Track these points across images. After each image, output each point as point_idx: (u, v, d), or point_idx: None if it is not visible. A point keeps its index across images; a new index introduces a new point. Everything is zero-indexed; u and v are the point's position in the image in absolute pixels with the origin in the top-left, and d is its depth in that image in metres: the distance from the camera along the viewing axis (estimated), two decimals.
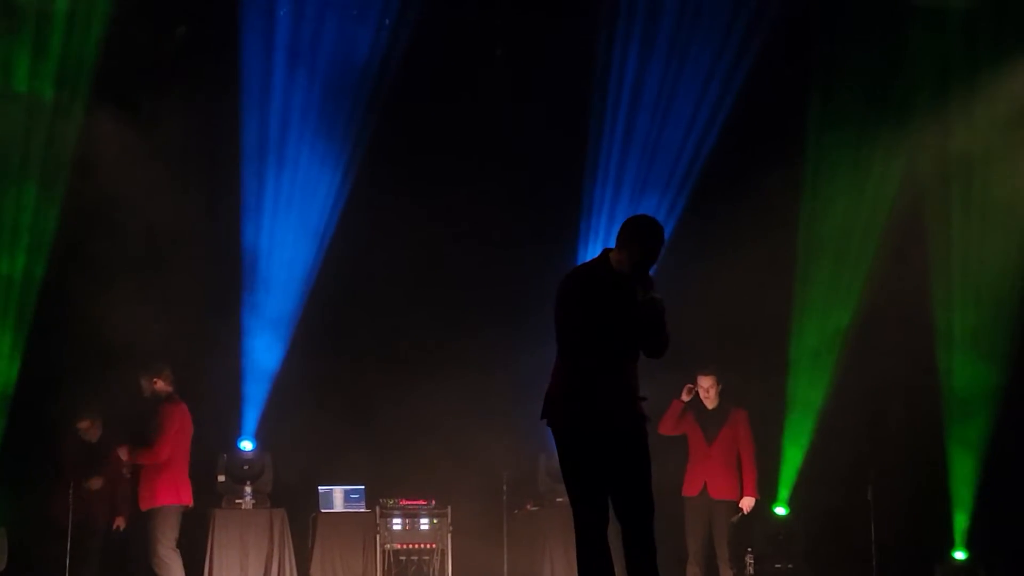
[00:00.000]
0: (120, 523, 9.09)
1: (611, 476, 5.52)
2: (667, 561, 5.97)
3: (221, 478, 9.63)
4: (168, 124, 9.46)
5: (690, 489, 9.10)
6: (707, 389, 9.13)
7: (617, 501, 5.54)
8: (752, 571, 9.53)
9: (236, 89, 9.91)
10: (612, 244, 5.69)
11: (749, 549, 9.51)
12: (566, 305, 5.59)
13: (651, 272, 5.64)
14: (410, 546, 9.65)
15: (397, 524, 9.65)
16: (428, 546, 9.65)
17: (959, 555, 10.02)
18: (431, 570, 9.59)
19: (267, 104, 9.97)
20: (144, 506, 8.60)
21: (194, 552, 9.24)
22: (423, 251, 10.37)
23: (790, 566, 9.88)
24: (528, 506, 10.10)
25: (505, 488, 9.88)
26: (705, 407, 9.18)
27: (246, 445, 9.83)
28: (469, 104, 10.26)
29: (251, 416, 9.94)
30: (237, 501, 9.55)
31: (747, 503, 9.07)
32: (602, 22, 10.33)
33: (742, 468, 9.10)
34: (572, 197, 10.61)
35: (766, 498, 9.75)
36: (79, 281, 9.40)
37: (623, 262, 5.62)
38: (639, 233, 5.65)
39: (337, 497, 9.76)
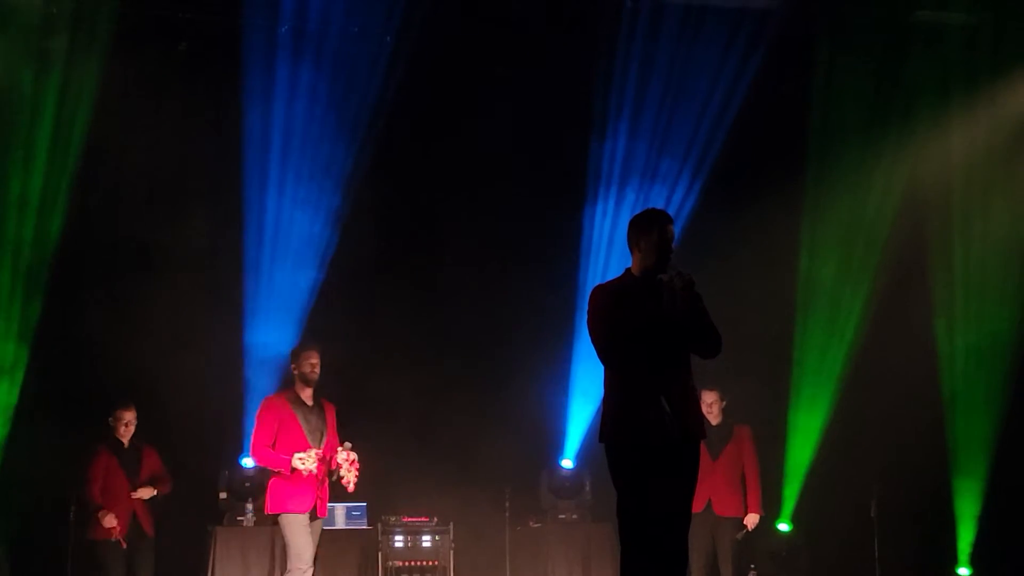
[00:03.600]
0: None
1: (663, 488, 5.50)
2: None
3: (223, 495, 9.59)
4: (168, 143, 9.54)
5: (694, 505, 9.02)
6: (709, 405, 9.12)
7: (661, 510, 5.52)
8: None
9: (237, 111, 9.93)
10: (615, 262, 5.69)
11: (752, 566, 9.47)
12: (603, 321, 5.54)
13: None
14: (412, 563, 9.59)
15: (399, 541, 9.60)
16: (430, 563, 9.59)
17: (963, 572, 9.99)
18: None
19: (268, 125, 9.99)
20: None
21: (196, 570, 9.23)
22: (424, 269, 10.38)
23: None
24: (531, 522, 10.07)
25: (507, 505, 9.85)
26: (708, 423, 9.15)
27: (248, 462, 9.80)
28: (469, 122, 10.28)
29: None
30: (239, 518, 9.51)
31: (751, 520, 9.04)
32: (602, 41, 10.36)
33: (746, 485, 9.07)
34: (573, 215, 10.62)
35: (769, 514, 9.71)
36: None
37: (645, 260, 5.58)
38: (645, 223, 5.65)
39: (339, 514, 9.72)
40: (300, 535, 7.74)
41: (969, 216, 10.42)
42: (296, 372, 8.03)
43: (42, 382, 9.27)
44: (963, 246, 10.42)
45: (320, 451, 7.78)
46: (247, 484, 9.66)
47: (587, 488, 10.11)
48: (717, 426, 9.13)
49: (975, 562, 9.99)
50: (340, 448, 7.85)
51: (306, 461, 7.68)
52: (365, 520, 9.72)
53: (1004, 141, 10.20)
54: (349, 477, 7.79)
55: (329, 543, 9.54)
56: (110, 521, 8.74)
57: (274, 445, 7.83)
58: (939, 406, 10.34)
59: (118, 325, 9.42)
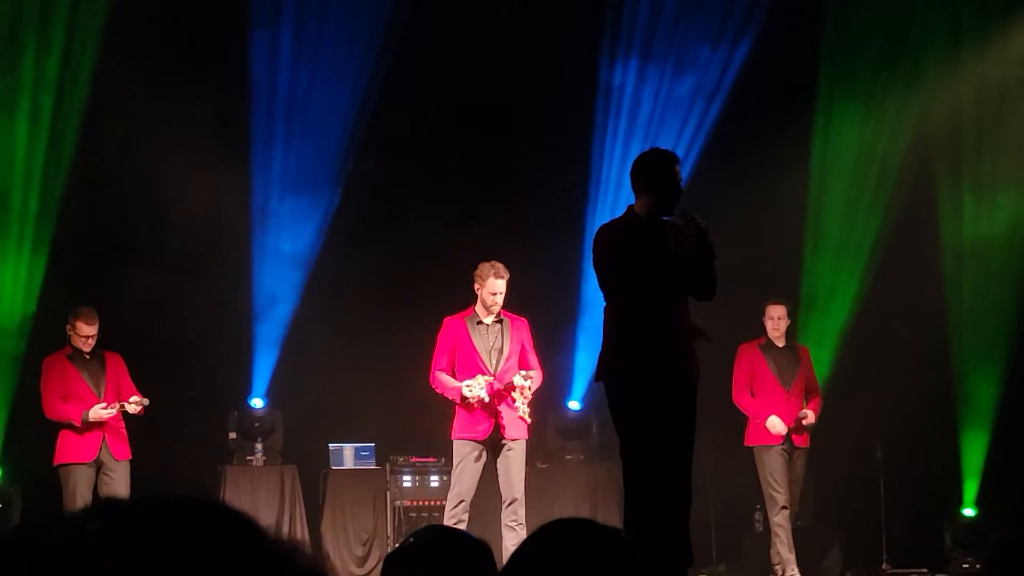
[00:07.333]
0: None
1: (667, 426, 5.51)
2: None
3: (232, 435, 9.64)
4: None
5: (771, 437, 8.50)
6: (777, 320, 8.65)
7: (667, 447, 5.53)
8: (761, 528, 9.55)
9: (245, 76, 9.91)
10: (624, 201, 5.67)
11: (758, 506, 9.50)
12: (609, 261, 5.54)
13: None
14: (420, 503, 9.66)
15: (407, 481, 9.66)
16: (438, 503, 9.64)
17: (969, 512, 10.01)
18: None
19: (275, 67, 9.96)
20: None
21: None
22: (433, 214, 10.37)
23: (799, 523, 9.86)
24: (538, 463, 10.10)
25: None
26: (775, 345, 8.75)
27: (257, 402, 9.85)
28: (474, 63, 10.22)
29: (262, 373, 9.96)
30: (248, 458, 9.57)
31: (811, 416, 8.61)
32: None
33: (809, 401, 8.73)
34: (582, 148, 10.57)
35: None
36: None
37: (653, 202, 5.55)
38: (653, 165, 5.61)
39: (347, 454, 9.76)
40: (464, 467, 7.43)
41: (979, 151, 10.33)
42: (479, 294, 7.62)
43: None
44: (973, 184, 10.34)
45: (494, 376, 7.35)
46: (256, 424, 9.72)
47: (594, 429, 10.14)
48: (784, 348, 8.68)
49: (981, 503, 10.01)
50: (518, 374, 7.51)
51: (473, 388, 7.29)
52: (373, 460, 9.77)
53: (1015, 85, 10.11)
54: (519, 406, 7.43)
55: (338, 483, 9.64)
56: (105, 414, 7.76)
57: (453, 369, 7.54)
58: (947, 349, 10.31)
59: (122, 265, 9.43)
